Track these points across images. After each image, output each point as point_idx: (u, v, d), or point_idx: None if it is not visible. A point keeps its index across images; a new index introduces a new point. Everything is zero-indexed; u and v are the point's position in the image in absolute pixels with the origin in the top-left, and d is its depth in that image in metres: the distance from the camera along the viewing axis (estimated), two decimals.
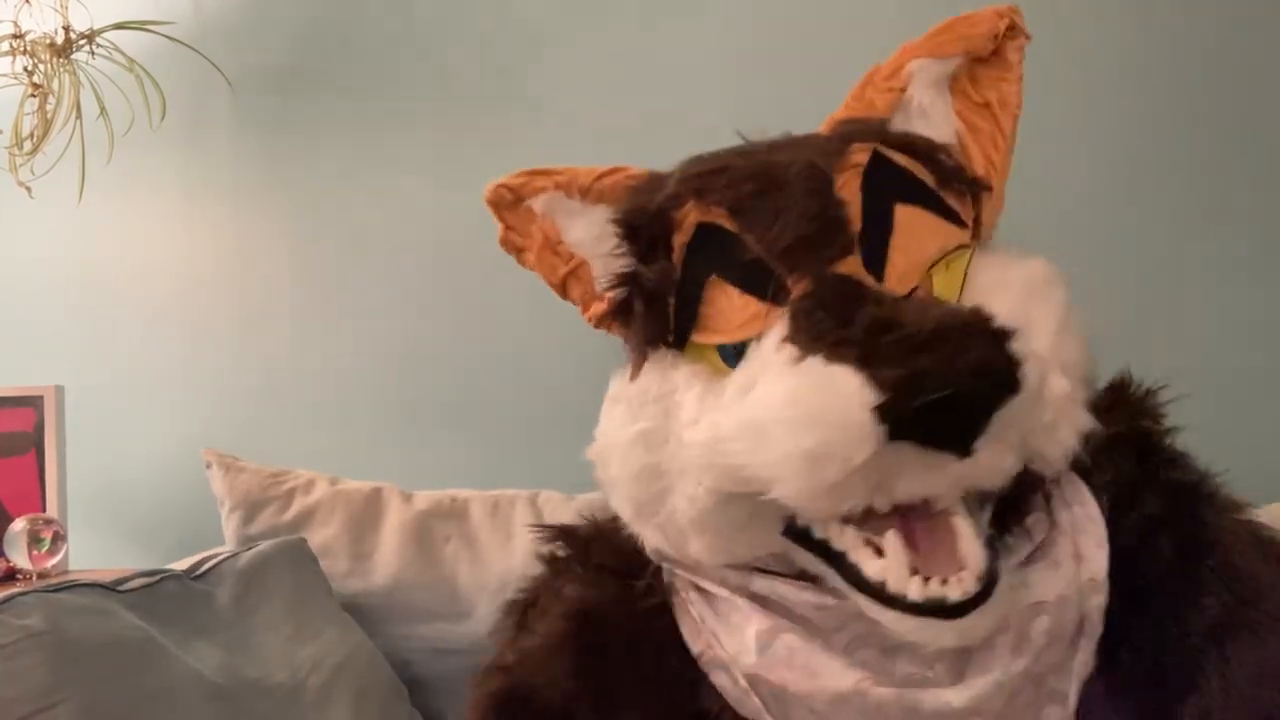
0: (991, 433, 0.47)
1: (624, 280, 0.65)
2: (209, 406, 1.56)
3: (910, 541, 0.51)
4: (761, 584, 0.61)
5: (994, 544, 0.53)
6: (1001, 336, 0.47)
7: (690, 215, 0.60)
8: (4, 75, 1.43)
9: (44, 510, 1.40)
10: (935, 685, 0.56)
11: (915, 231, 0.58)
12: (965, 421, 0.47)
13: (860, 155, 0.59)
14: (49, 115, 1.43)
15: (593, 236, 0.68)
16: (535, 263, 0.72)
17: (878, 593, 0.51)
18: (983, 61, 0.67)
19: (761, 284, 0.57)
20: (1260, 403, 1.20)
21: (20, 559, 1.31)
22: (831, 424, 0.48)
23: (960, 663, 0.57)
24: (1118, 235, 1.25)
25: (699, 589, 0.64)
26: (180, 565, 1.00)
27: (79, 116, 1.44)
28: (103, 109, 1.47)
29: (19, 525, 1.32)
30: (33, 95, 1.43)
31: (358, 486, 1.21)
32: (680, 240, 0.61)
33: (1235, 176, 1.22)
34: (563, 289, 0.72)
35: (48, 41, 1.43)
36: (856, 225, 0.56)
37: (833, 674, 0.57)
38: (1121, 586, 0.59)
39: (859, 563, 0.52)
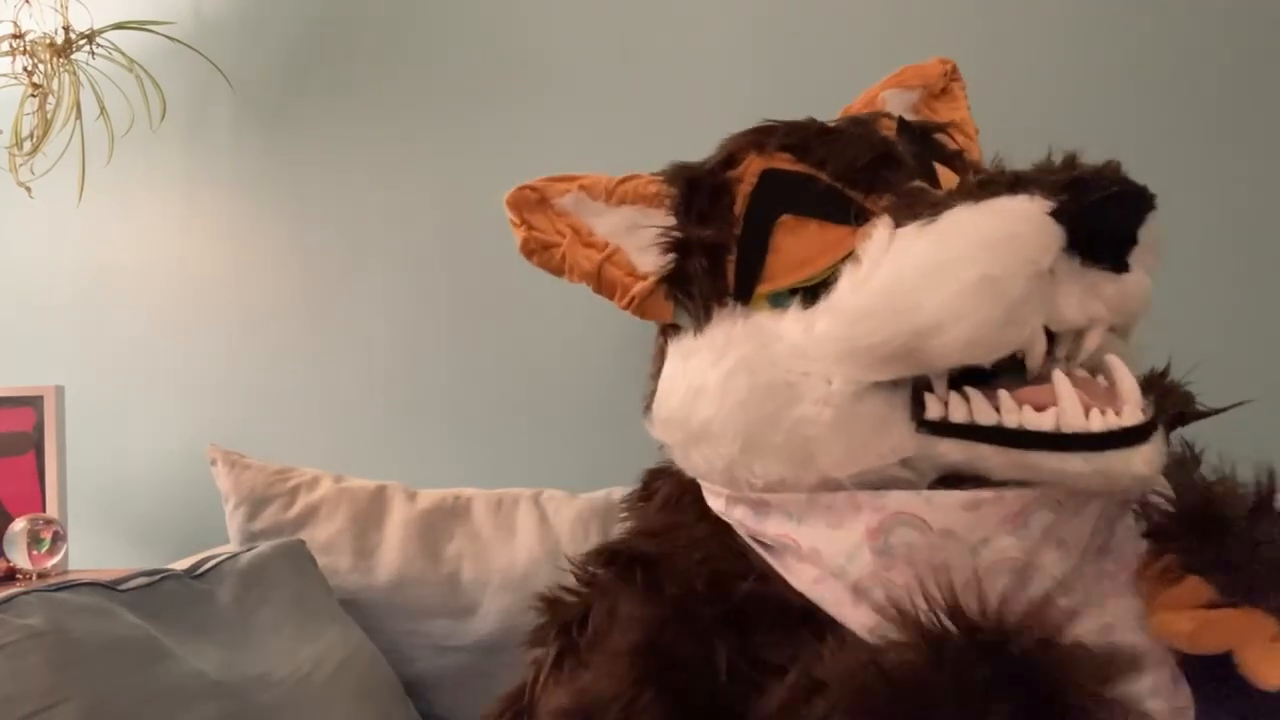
0: (1142, 246, 0.54)
1: (679, 245, 0.69)
2: (209, 406, 1.56)
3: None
4: (898, 498, 0.56)
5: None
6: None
7: (752, 165, 0.67)
8: (4, 75, 1.43)
9: (44, 510, 1.40)
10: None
11: (946, 173, 0.68)
12: (1122, 232, 0.53)
13: (889, 121, 0.70)
14: (49, 115, 1.43)
15: (623, 229, 0.74)
16: (567, 257, 0.75)
17: (1054, 441, 0.52)
18: (935, 96, 0.87)
19: (840, 209, 0.63)
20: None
21: (20, 559, 1.31)
22: (1013, 239, 0.52)
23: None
24: None
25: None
26: (180, 565, 0.99)
27: (79, 116, 1.44)
28: (103, 109, 1.46)
29: (19, 525, 1.31)
30: (33, 95, 1.43)
31: (362, 484, 1.21)
32: (744, 190, 0.66)
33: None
34: (597, 277, 0.74)
35: (48, 41, 1.43)
36: (909, 161, 0.65)
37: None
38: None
39: (1022, 423, 0.53)
